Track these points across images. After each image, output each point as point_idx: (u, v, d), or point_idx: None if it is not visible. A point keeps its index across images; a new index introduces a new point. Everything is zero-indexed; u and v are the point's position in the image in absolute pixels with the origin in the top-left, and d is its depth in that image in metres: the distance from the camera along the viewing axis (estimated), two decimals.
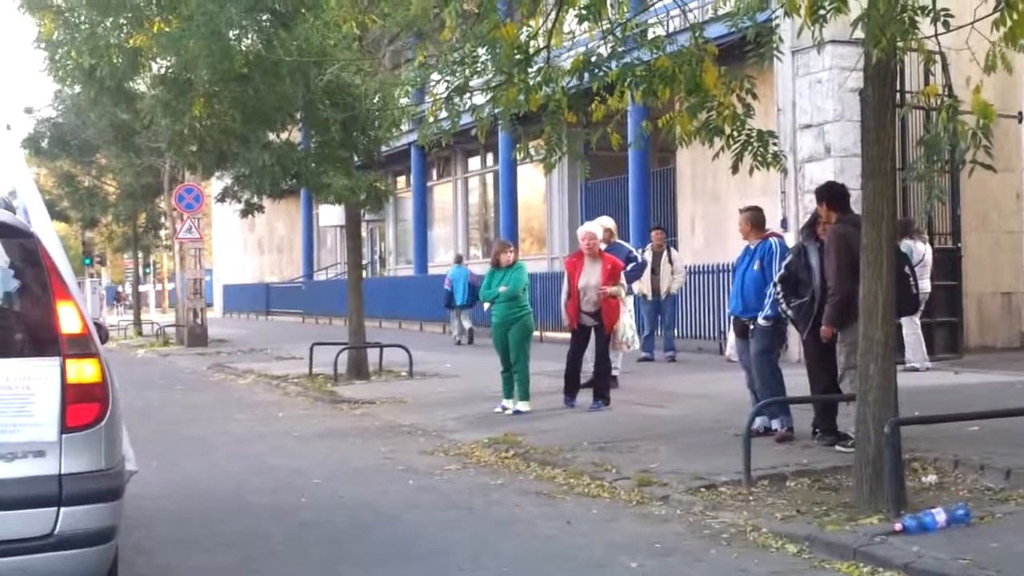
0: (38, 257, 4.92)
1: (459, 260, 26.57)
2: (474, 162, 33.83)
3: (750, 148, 7.50)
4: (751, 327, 10.03)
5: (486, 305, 13.05)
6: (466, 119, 8.09)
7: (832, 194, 9.54)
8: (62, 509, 4.61)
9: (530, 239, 30.66)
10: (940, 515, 6.51)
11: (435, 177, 35.56)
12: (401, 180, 35.99)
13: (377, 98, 13.64)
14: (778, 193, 17.35)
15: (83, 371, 4.75)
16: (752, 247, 10.21)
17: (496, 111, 7.58)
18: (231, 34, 13.36)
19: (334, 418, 13.53)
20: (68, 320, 4.80)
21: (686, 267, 18.61)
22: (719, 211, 21.74)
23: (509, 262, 12.73)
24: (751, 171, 7.66)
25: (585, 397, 12.66)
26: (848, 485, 7.82)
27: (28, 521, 4.58)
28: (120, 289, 59.76)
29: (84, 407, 4.74)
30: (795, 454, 8.99)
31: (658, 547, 6.72)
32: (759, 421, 9.93)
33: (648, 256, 17.21)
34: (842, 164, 16.35)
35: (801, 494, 7.82)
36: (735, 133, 7.45)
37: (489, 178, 33.22)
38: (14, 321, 4.96)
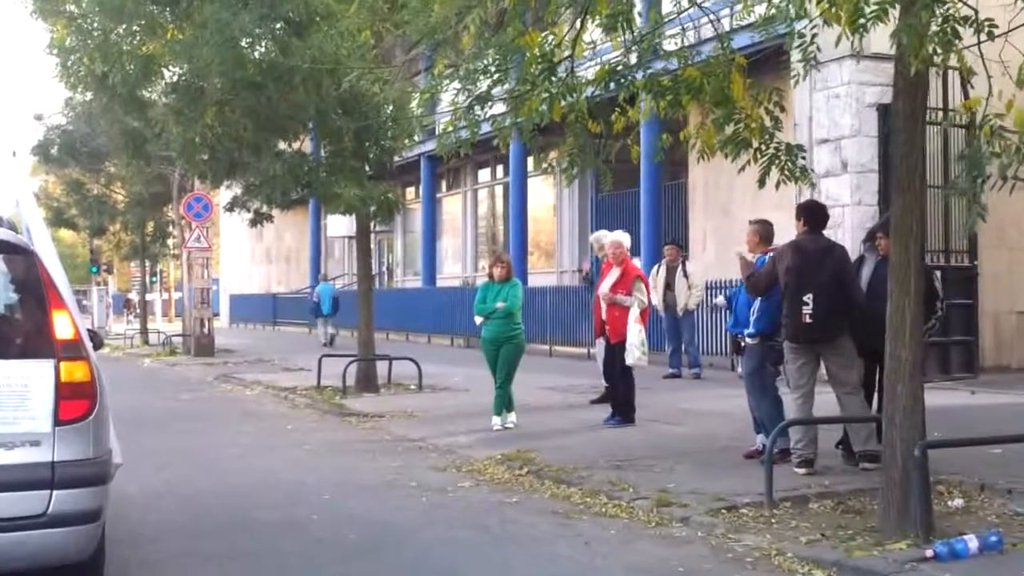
0: (37, 272, 5.54)
1: (325, 278, 33.58)
2: (484, 174, 33.70)
3: (777, 162, 7.34)
4: (743, 344, 9.88)
5: (478, 320, 12.68)
6: (484, 128, 7.93)
7: (807, 211, 9.42)
8: (54, 492, 5.21)
9: (538, 252, 30.49)
10: (972, 542, 6.33)
11: (444, 189, 35.44)
12: (410, 191, 35.86)
13: (391, 108, 13.49)
14: (793, 208, 17.15)
15: (74, 372, 5.36)
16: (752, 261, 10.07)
17: (518, 121, 7.42)
18: (244, 42, 13.23)
19: (344, 431, 13.36)
20: (62, 327, 5.41)
21: (706, 282, 18.39)
22: (731, 226, 21.50)
23: (503, 276, 12.49)
24: (777, 185, 7.50)
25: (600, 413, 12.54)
26: (873, 508, 7.64)
27: (24, 502, 5.18)
28: (129, 297, 59.53)
29: (75, 403, 5.33)
30: (816, 476, 8.80)
31: (680, 571, 6.55)
32: (759, 440, 9.77)
33: (662, 271, 17.05)
34: (858, 180, 16.20)
35: (825, 517, 7.65)
36: (762, 146, 7.29)
37: (499, 190, 33.08)
38: (15, 327, 5.61)
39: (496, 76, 7.07)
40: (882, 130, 16.00)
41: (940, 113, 15.80)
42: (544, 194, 31.06)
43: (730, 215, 21.62)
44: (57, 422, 5.26)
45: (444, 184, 35.42)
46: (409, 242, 38.19)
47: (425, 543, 7.41)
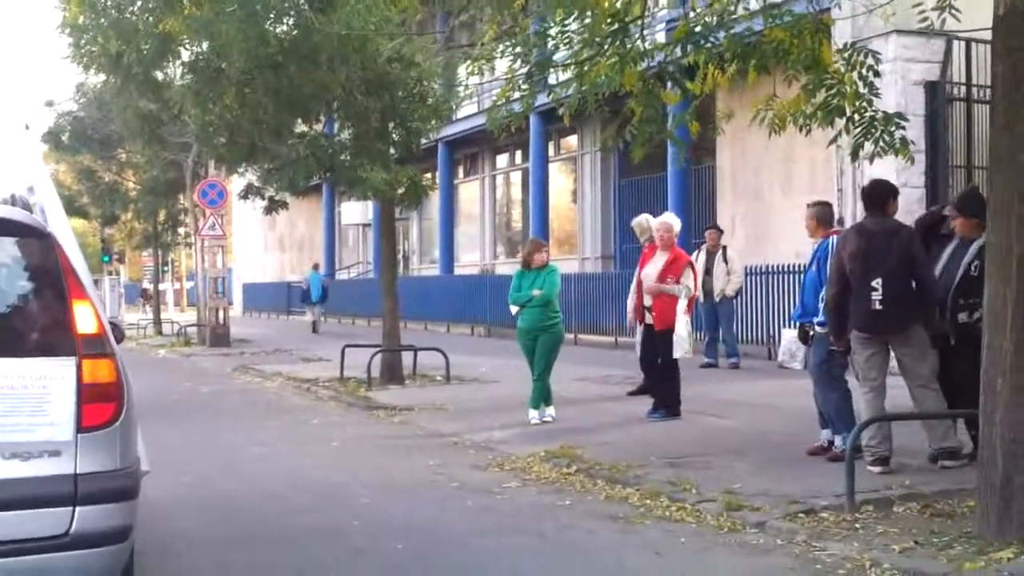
0: (55, 256, 4.88)
1: (316, 267, 35.38)
2: (502, 160, 33.09)
3: (872, 131, 6.65)
4: (811, 333, 9.22)
5: (513, 309, 12.08)
6: (540, 100, 7.27)
7: (864, 192, 8.71)
8: (77, 508, 4.58)
9: (552, 240, 29.80)
10: None
11: (461, 175, 34.82)
12: (426, 177, 35.23)
13: (418, 86, 12.86)
14: (826, 192, 16.48)
15: (98, 371, 4.73)
16: (815, 246, 9.42)
17: (583, 89, 6.71)
18: (267, 18, 12.58)
19: (372, 426, 12.75)
20: (84, 320, 4.77)
21: (744, 268, 17.71)
22: (761, 210, 20.95)
23: (543, 262, 11.89)
24: (872, 158, 6.84)
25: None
26: (964, 512, 7.03)
27: (44, 520, 4.56)
28: (147, 287, 58.87)
29: (99, 407, 4.71)
30: (893, 475, 8.13)
31: None
32: (824, 435, 9.17)
33: (701, 256, 16.43)
34: (904, 161, 15.48)
35: (912, 521, 6.98)
36: (856, 115, 6.60)
37: (516, 176, 32.47)
38: (30, 321, 4.90)
39: (562, 38, 6.40)
40: (929, 108, 15.32)
41: (963, 88, 15.22)
42: (563, 179, 30.43)
43: (760, 199, 21.00)
44: (80, 429, 4.63)
45: (461, 170, 34.80)
46: (425, 229, 37.58)
47: (477, 552, 6.80)
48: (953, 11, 6.01)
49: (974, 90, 15.32)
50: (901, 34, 14.76)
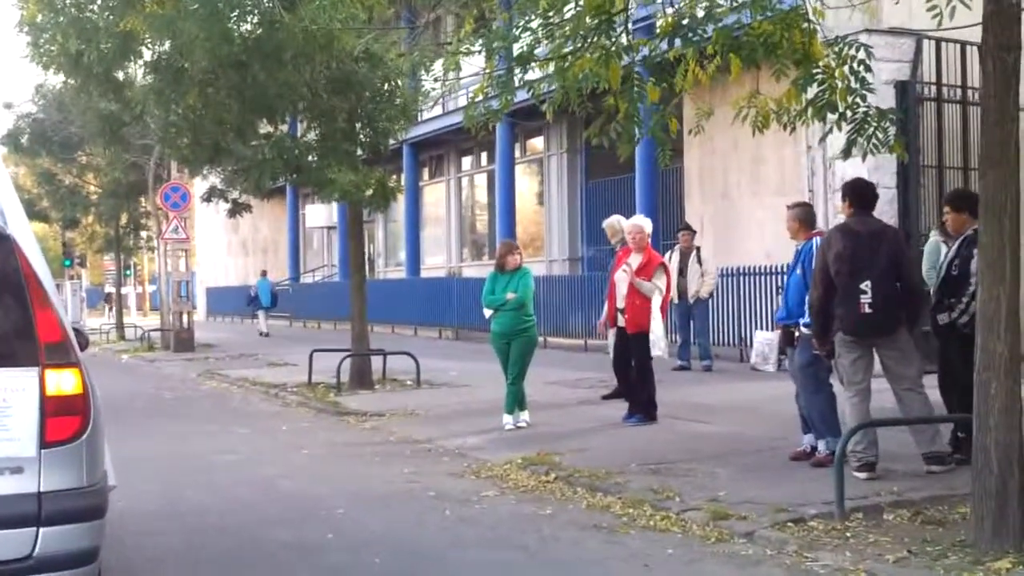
0: (15, 261, 4.60)
1: (264, 274, 35.44)
2: (467, 162, 32.84)
3: (866, 129, 6.47)
4: (796, 335, 9.07)
5: (487, 312, 11.89)
6: (519, 96, 7.03)
7: (852, 191, 8.51)
8: (42, 529, 4.37)
9: (519, 242, 29.46)
10: None
11: (427, 177, 34.54)
12: (393, 179, 34.88)
13: (388, 84, 12.61)
14: (796, 193, 16.37)
15: (63, 382, 4.50)
16: (797, 248, 9.27)
17: (565, 84, 6.46)
18: (230, 16, 12.28)
19: (343, 432, 12.47)
20: (47, 327, 4.53)
21: (719, 269, 17.55)
22: (729, 211, 20.79)
23: (516, 265, 11.69)
24: (864, 156, 6.66)
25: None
26: (955, 519, 6.88)
27: (5, 542, 4.32)
28: (110, 291, 58.20)
29: (64, 420, 4.48)
30: (880, 481, 7.96)
31: None
32: (807, 440, 9.01)
33: (675, 257, 16.27)
34: (875, 161, 15.32)
35: (903, 529, 6.82)
36: (848, 112, 6.42)
37: (481, 178, 32.23)
38: None
39: (548, 30, 6.16)
40: (900, 108, 15.22)
41: (934, 88, 15.16)
42: (529, 181, 30.23)
43: (729, 200, 20.85)
44: (43, 444, 4.38)
45: (426, 172, 34.52)
46: (391, 231, 37.27)
47: (459, 565, 6.57)
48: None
49: (944, 90, 15.26)
50: (871, 33, 14.62)
